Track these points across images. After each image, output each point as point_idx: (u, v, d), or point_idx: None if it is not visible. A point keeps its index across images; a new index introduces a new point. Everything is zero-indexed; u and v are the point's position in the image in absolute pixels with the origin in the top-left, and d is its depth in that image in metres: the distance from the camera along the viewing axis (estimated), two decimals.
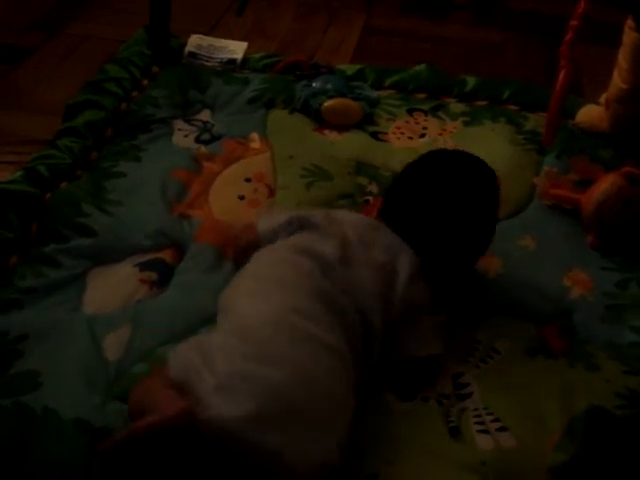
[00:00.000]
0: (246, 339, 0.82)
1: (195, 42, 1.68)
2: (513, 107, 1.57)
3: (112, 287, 1.07)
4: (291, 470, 0.75)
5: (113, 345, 0.97)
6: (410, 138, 1.45)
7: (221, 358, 0.80)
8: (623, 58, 1.35)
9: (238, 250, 1.07)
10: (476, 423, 0.91)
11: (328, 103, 1.47)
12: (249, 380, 0.77)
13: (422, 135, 1.46)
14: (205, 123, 1.45)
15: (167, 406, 0.75)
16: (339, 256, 0.93)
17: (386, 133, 1.46)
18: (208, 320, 1.00)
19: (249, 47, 1.70)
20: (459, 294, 1.07)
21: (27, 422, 0.87)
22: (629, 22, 1.32)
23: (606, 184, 1.20)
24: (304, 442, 0.76)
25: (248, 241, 1.04)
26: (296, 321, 0.84)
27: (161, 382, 0.80)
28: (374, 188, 1.30)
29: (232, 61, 1.66)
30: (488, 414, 0.92)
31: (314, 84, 1.52)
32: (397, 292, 0.94)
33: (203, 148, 1.37)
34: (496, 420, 0.92)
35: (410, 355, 0.95)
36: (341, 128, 1.46)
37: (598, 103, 1.46)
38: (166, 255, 1.13)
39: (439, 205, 1.01)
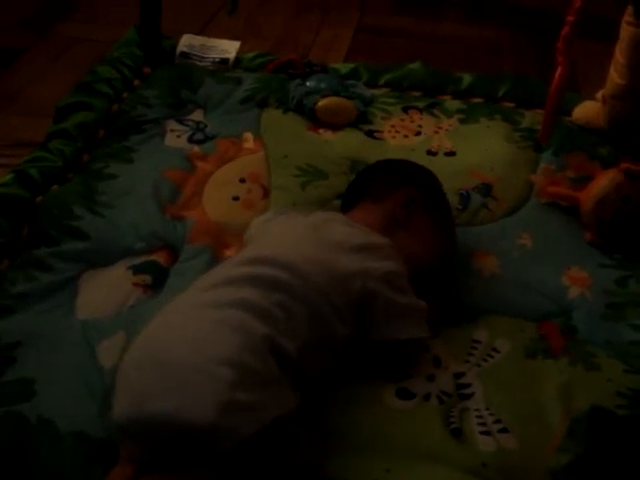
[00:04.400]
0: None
1: (187, 42, 1.67)
2: (509, 104, 1.55)
3: (105, 291, 1.05)
4: (189, 427, 0.73)
5: (108, 352, 0.96)
6: (405, 136, 1.44)
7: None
8: (620, 53, 1.34)
9: None
10: (478, 424, 0.90)
11: (322, 102, 1.45)
12: (123, 372, 0.82)
13: (418, 133, 1.45)
14: (198, 123, 1.43)
15: None
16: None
17: (381, 131, 1.45)
18: None
19: (242, 46, 1.68)
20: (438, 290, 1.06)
21: (21, 432, 0.85)
22: (627, 16, 1.31)
23: (605, 181, 1.19)
24: (186, 399, 0.74)
25: None
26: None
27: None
28: None
29: (225, 60, 1.64)
30: (490, 414, 0.91)
31: (308, 83, 1.51)
32: (352, 265, 0.92)
33: (196, 148, 1.35)
34: (497, 421, 0.91)
35: (388, 337, 0.93)
36: (335, 127, 1.44)
37: (594, 99, 1.45)
38: (160, 257, 1.12)
39: None
